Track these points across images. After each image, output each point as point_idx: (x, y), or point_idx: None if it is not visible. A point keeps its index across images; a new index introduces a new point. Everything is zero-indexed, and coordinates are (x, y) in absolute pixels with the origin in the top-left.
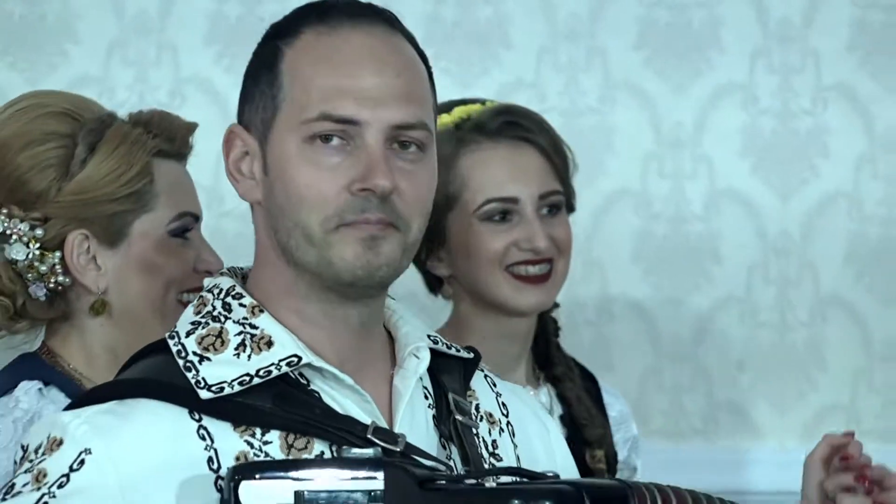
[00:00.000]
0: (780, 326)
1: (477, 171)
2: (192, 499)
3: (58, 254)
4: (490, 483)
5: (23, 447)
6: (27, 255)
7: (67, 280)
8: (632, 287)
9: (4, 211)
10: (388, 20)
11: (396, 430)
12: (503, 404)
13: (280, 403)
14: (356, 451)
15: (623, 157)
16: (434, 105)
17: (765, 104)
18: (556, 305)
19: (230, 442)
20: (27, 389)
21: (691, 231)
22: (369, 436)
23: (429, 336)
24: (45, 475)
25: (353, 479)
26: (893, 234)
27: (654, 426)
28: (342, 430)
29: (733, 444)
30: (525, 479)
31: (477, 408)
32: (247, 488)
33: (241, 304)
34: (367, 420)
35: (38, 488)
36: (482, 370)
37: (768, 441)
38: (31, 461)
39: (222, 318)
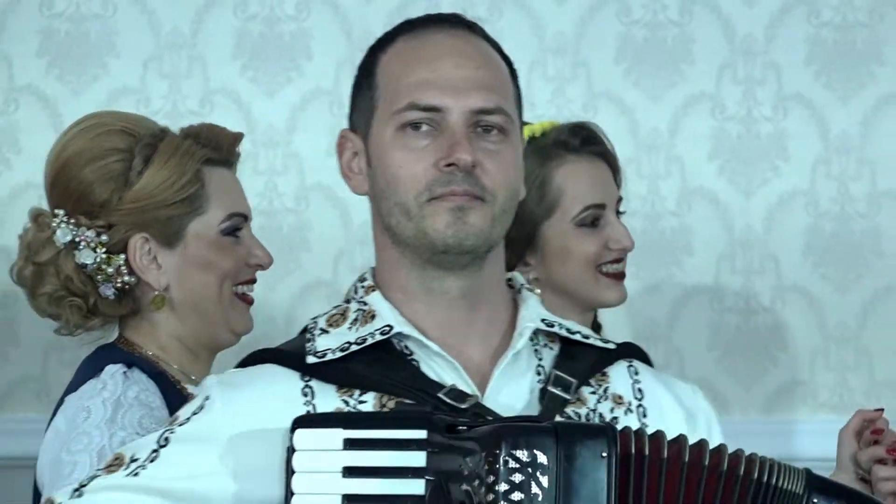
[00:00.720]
0: (745, 311)
1: (570, 182)
2: (281, 446)
3: (122, 256)
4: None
5: None
6: (95, 259)
7: (133, 279)
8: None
9: (73, 221)
10: (470, 26)
11: (486, 395)
12: (639, 390)
13: (377, 368)
14: (406, 406)
15: None
16: (517, 101)
17: (731, 111)
18: None
19: (328, 401)
20: (113, 373)
21: (666, 226)
22: (440, 395)
23: (544, 320)
24: (177, 417)
25: (397, 429)
26: (846, 229)
27: None
28: (422, 391)
29: None
30: (524, 422)
31: (606, 390)
32: (301, 435)
33: (362, 287)
34: (459, 383)
35: (169, 425)
36: (630, 363)
37: (734, 413)
38: (175, 415)
39: (349, 300)
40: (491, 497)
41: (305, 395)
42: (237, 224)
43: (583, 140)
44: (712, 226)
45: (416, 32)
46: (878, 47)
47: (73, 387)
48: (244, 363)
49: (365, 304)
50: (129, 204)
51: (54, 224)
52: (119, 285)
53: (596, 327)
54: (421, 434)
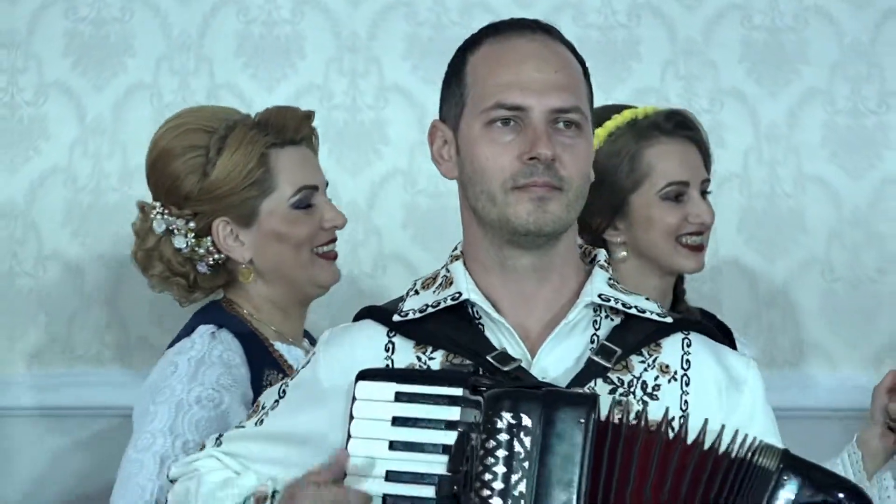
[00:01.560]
0: (689, 280)
1: (660, 161)
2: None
3: (209, 238)
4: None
5: None
6: (187, 244)
7: (222, 256)
8: None
9: (166, 211)
10: (548, 30)
11: (535, 360)
12: (687, 361)
13: (447, 329)
14: (453, 367)
15: None
16: (589, 96)
17: (673, 104)
18: None
19: (406, 355)
20: (202, 333)
21: None
22: (488, 357)
23: (600, 295)
24: (297, 369)
25: (439, 386)
26: (774, 207)
27: None
28: (476, 353)
29: None
30: (516, 387)
31: (655, 360)
32: (362, 386)
33: (451, 255)
34: (510, 348)
35: (290, 377)
36: (686, 334)
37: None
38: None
39: (445, 266)
40: (482, 451)
41: (387, 349)
42: (306, 196)
43: (676, 124)
44: None
45: (501, 37)
46: (803, 48)
47: (172, 343)
48: (356, 317)
49: (448, 271)
50: (206, 194)
51: (152, 216)
52: (212, 263)
53: (679, 293)
54: (457, 392)
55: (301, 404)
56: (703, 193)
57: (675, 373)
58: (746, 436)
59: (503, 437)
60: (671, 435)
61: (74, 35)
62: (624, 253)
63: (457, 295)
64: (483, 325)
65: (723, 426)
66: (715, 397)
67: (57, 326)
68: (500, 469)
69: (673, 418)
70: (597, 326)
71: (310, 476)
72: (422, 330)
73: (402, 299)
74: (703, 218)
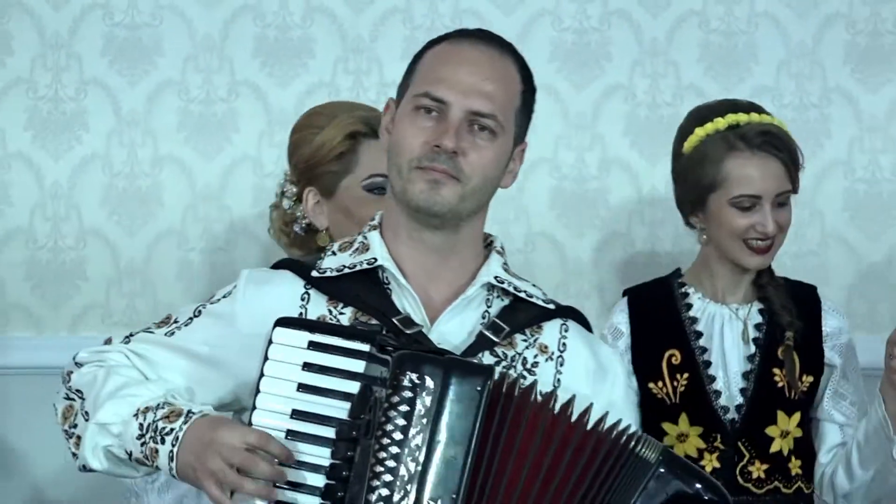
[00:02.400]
0: (799, 255)
1: (737, 171)
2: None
3: (301, 205)
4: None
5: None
6: (290, 206)
7: (310, 222)
8: (550, 227)
9: (287, 177)
10: (502, 46)
11: (433, 328)
12: (563, 344)
13: (359, 289)
14: (361, 325)
15: (540, 135)
16: (518, 115)
17: (640, 99)
18: None
19: (318, 307)
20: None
21: (589, 188)
22: (394, 319)
23: (499, 278)
24: (214, 295)
25: (349, 340)
26: (584, 189)
27: None
28: (383, 314)
29: None
30: (425, 352)
31: (536, 340)
32: (279, 332)
33: (370, 226)
34: (413, 313)
35: (206, 301)
36: (565, 321)
37: None
38: (213, 294)
39: (361, 232)
40: (386, 405)
41: (303, 299)
42: (377, 182)
43: (763, 142)
44: (625, 189)
45: (458, 41)
46: (754, 49)
47: None
48: (275, 266)
49: (366, 238)
50: (304, 163)
51: (282, 179)
52: (304, 224)
53: (769, 275)
54: (364, 347)
55: (215, 330)
56: (781, 205)
57: (552, 353)
58: (630, 426)
59: (407, 394)
60: (557, 410)
61: (111, 38)
62: (705, 237)
63: (372, 260)
64: (391, 290)
65: (606, 413)
66: (583, 379)
67: (95, 295)
68: (401, 422)
69: (555, 393)
70: (489, 304)
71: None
72: (336, 287)
73: (319, 258)
74: (767, 229)
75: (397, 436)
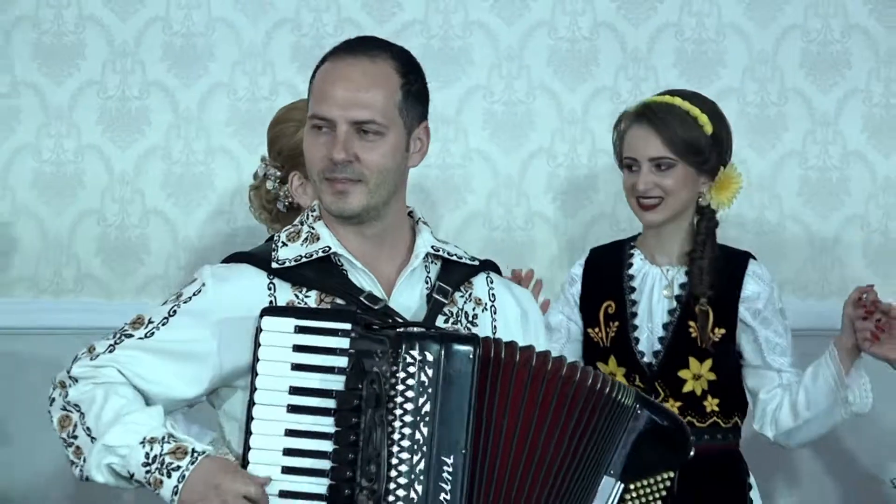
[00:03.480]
0: (759, 233)
1: (626, 138)
2: (251, 322)
3: (286, 186)
4: (402, 328)
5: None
6: (273, 187)
7: (294, 201)
8: (546, 209)
9: (269, 162)
10: (375, 50)
11: (391, 298)
12: (493, 295)
13: (320, 275)
14: (339, 306)
15: (539, 129)
16: (400, 104)
17: (623, 98)
18: (713, 213)
19: (285, 294)
20: None
21: (580, 174)
22: (361, 298)
23: (434, 247)
24: (181, 294)
25: (331, 321)
26: (576, 176)
27: None
28: (348, 294)
29: None
30: (419, 329)
31: (471, 294)
32: (267, 321)
33: (312, 215)
34: (373, 290)
35: (175, 301)
36: (488, 274)
37: None
38: (179, 292)
39: (302, 223)
40: (394, 380)
41: (269, 289)
42: None
43: (642, 114)
44: (612, 175)
45: (335, 58)
46: (722, 56)
47: None
48: (227, 261)
49: (313, 228)
50: (289, 152)
51: (262, 164)
52: (287, 203)
53: (704, 232)
54: (346, 326)
55: (192, 328)
56: (662, 168)
57: (486, 304)
58: (600, 373)
59: (412, 369)
60: (536, 364)
61: (170, 46)
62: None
63: (326, 248)
64: (346, 272)
65: (578, 361)
66: (514, 324)
67: (156, 267)
68: (410, 394)
69: (533, 348)
70: (428, 271)
71: (234, 477)
72: (297, 275)
73: (272, 248)
74: (639, 187)
75: (409, 406)
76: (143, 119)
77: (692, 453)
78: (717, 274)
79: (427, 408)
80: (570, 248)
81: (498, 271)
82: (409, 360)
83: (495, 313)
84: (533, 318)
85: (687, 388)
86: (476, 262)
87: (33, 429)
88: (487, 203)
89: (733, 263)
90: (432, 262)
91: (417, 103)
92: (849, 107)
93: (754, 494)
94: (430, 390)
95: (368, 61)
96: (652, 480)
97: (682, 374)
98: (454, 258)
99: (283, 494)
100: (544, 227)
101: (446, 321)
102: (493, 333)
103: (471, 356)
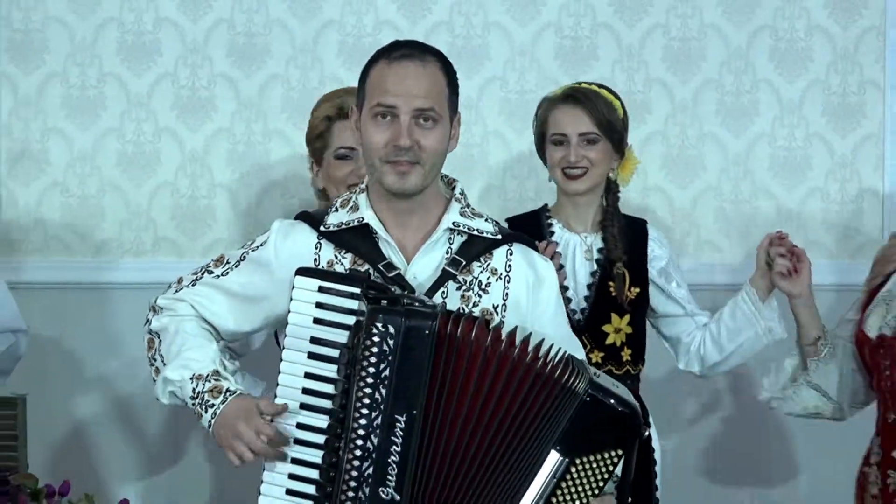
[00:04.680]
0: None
1: (552, 118)
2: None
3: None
4: (413, 300)
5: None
6: (317, 174)
7: (321, 186)
8: (553, 185)
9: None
10: (424, 52)
11: (410, 268)
12: (509, 266)
13: (356, 241)
14: (354, 272)
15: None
16: (451, 98)
17: (619, 88)
18: (617, 188)
19: (327, 254)
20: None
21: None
22: (380, 265)
23: (455, 223)
24: (253, 242)
25: (346, 285)
26: (684, 155)
27: None
28: (372, 261)
29: None
30: (388, 305)
31: (488, 265)
32: (299, 280)
33: (360, 189)
34: (394, 258)
35: (247, 248)
36: (510, 246)
37: None
38: (253, 239)
39: (352, 194)
40: (363, 347)
41: (316, 248)
42: (342, 153)
43: (569, 95)
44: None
45: (389, 58)
46: (703, 51)
47: None
48: (296, 217)
49: (357, 200)
50: (307, 140)
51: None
52: (318, 188)
53: (610, 205)
54: (356, 290)
55: (253, 273)
56: (589, 142)
57: (501, 274)
58: (563, 351)
59: (377, 338)
60: (496, 340)
61: (234, 44)
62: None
63: (361, 219)
64: (378, 239)
65: (542, 339)
66: (524, 290)
67: (220, 231)
68: (373, 360)
69: (500, 326)
70: (451, 243)
71: (253, 405)
72: (339, 238)
73: (326, 213)
74: (570, 158)
75: (371, 370)
76: (211, 106)
77: (646, 435)
78: (627, 240)
79: (386, 373)
80: None
81: (528, 243)
82: (374, 331)
83: (508, 282)
84: (548, 285)
85: (609, 341)
86: (500, 237)
87: (121, 369)
88: (503, 177)
89: (636, 230)
90: (458, 234)
91: (455, 97)
92: (811, 95)
93: (653, 432)
94: (389, 358)
95: (420, 62)
96: (599, 457)
97: (606, 328)
98: (476, 233)
99: (300, 426)
100: (552, 199)
101: (458, 289)
102: (504, 300)
103: (426, 332)
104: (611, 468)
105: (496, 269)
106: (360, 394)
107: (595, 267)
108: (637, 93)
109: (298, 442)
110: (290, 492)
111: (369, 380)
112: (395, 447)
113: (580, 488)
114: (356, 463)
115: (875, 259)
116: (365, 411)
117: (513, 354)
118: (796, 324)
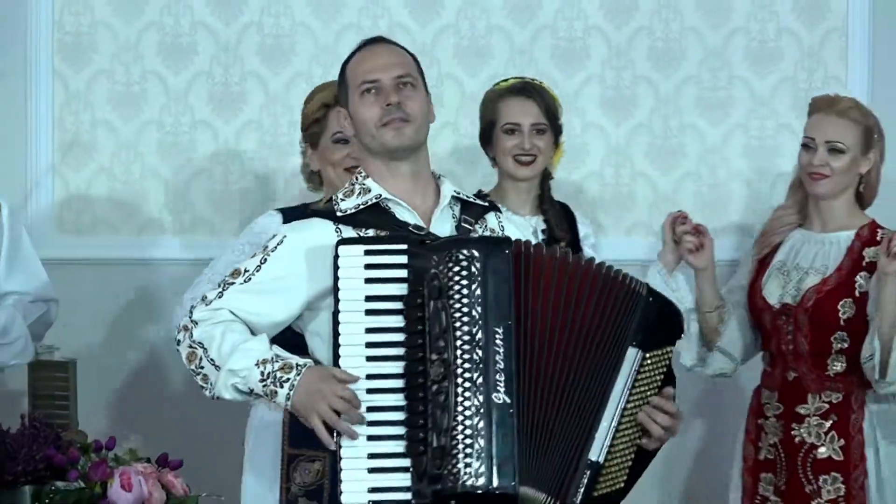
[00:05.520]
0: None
1: (505, 108)
2: (327, 258)
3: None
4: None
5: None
6: (302, 156)
7: (315, 168)
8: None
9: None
10: (392, 43)
11: (431, 229)
12: (502, 227)
13: (374, 217)
14: (394, 233)
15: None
16: (421, 74)
17: (608, 84)
18: (551, 175)
19: (349, 234)
20: (269, 214)
21: (573, 144)
22: (410, 228)
23: (456, 191)
24: (268, 246)
25: (391, 244)
26: (668, 144)
27: None
28: (399, 227)
29: None
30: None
31: (486, 227)
32: (342, 248)
33: (361, 176)
34: (417, 223)
35: (264, 252)
36: (496, 212)
37: None
38: (265, 245)
39: (353, 184)
40: (451, 273)
41: (337, 232)
42: (338, 137)
43: (520, 89)
44: (599, 144)
45: (361, 48)
46: (684, 51)
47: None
48: (297, 217)
49: (364, 184)
50: (303, 125)
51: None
52: (310, 171)
53: (545, 191)
54: (403, 246)
55: (281, 267)
56: (539, 132)
57: (497, 234)
58: (615, 267)
59: (463, 264)
60: (558, 255)
61: (263, 44)
62: (494, 163)
63: (378, 195)
64: (394, 213)
65: (592, 258)
66: None
67: (250, 212)
68: (464, 282)
69: (555, 248)
70: (453, 210)
71: (331, 373)
72: (357, 219)
73: (333, 204)
74: (524, 146)
75: (464, 290)
76: (242, 100)
77: (683, 334)
78: (564, 221)
79: (479, 292)
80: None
81: (500, 210)
82: (460, 258)
83: None
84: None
85: None
86: (486, 204)
87: (162, 334)
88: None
89: (566, 212)
90: (454, 203)
91: (424, 80)
92: (781, 90)
93: None
94: (479, 279)
95: (388, 43)
96: (660, 352)
97: None
98: (470, 200)
99: (370, 377)
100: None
101: None
102: None
103: (507, 251)
104: (667, 362)
105: (493, 230)
106: (458, 314)
107: None
108: (625, 88)
109: (372, 391)
110: (372, 455)
111: (464, 300)
112: (498, 356)
113: (650, 381)
114: (467, 375)
115: (761, 231)
116: (466, 328)
117: (580, 264)
118: (698, 293)
